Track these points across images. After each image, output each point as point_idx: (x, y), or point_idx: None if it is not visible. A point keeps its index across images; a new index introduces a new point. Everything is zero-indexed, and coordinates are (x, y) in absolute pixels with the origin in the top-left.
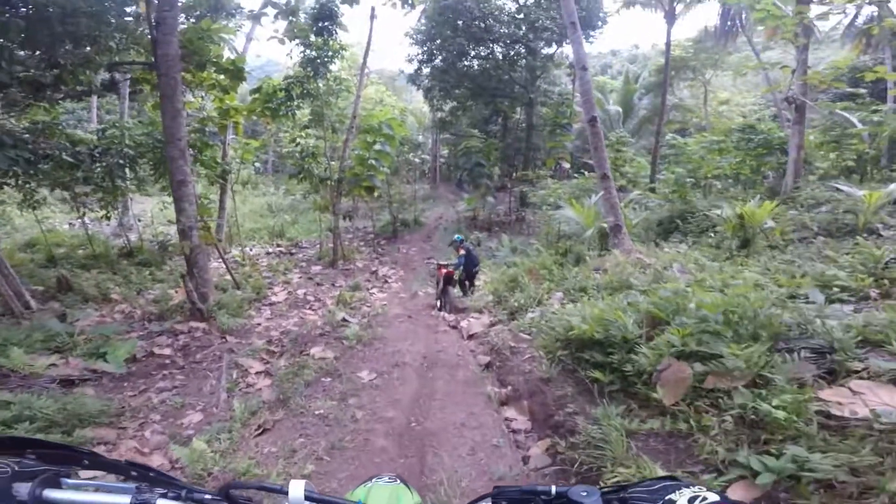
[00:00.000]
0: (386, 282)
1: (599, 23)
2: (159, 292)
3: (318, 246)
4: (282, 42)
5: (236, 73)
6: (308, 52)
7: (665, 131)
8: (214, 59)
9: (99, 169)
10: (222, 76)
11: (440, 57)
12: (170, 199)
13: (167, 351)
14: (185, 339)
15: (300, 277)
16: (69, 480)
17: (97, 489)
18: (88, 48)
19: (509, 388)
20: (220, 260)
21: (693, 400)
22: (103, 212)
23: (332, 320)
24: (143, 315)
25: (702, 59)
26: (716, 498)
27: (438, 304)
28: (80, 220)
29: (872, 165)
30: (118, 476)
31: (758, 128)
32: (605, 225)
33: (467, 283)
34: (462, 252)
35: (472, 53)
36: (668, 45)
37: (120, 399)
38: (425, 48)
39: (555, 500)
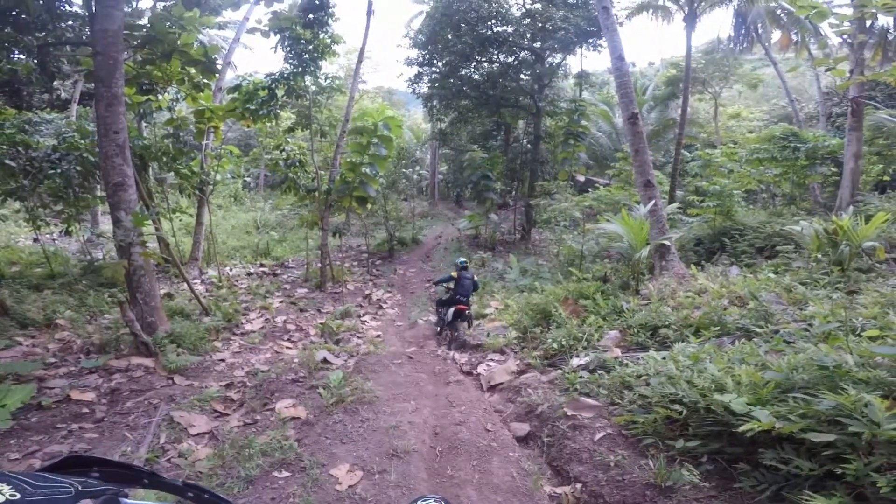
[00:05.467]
0: (381, 307)
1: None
2: (115, 317)
3: (305, 266)
4: (265, 35)
5: (208, 64)
6: (295, 46)
7: (669, 148)
8: (182, 49)
9: (57, 178)
10: (193, 69)
11: (442, 62)
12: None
13: (89, 395)
14: (119, 380)
15: (282, 302)
16: (127, 500)
17: None
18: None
19: (578, 485)
20: (185, 282)
21: None
22: (64, 226)
23: (309, 361)
24: (82, 346)
25: (711, 72)
26: None
27: (440, 333)
28: (47, 236)
29: None
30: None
31: (802, 136)
32: (665, 242)
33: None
34: (454, 274)
35: (477, 59)
36: (688, 49)
37: None
38: (426, 51)
39: None
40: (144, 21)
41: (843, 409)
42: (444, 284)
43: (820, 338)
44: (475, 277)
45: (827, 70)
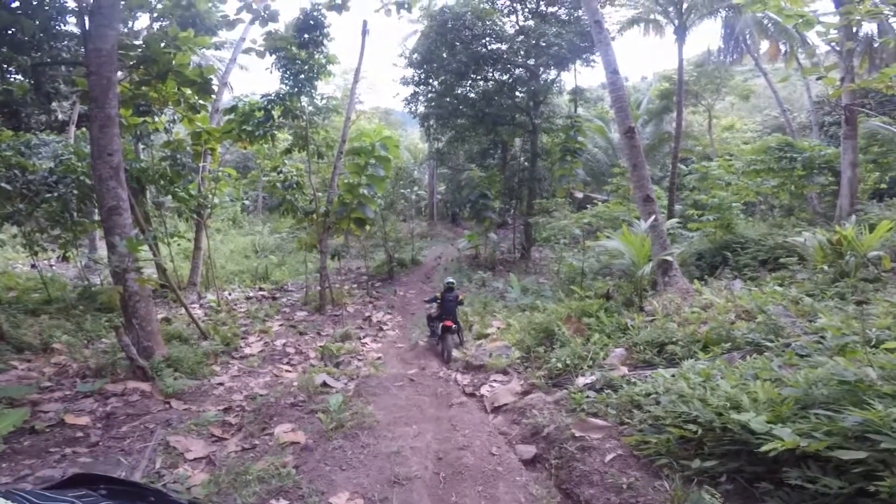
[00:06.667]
0: (381, 329)
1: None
2: (113, 342)
3: (304, 289)
4: (261, 56)
5: (204, 85)
6: (290, 67)
7: (665, 162)
8: (177, 69)
9: (54, 202)
10: (188, 90)
11: (437, 81)
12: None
13: (84, 420)
14: (115, 405)
15: (281, 325)
16: None
17: None
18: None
19: None
20: (183, 307)
21: None
22: (61, 251)
23: (309, 385)
24: (78, 370)
25: (703, 84)
26: None
27: (438, 345)
28: (45, 261)
29: None
30: None
31: (798, 146)
32: (667, 258)
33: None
34: (438, 295)
35: (472, 77)
36: (680, 61)
37: None
38: (421, 70)
39: None
40: (140, 41)
41: (870, 424)
42: (433, 304)
43: (834, 350)
44: (460, 297)
45: (817, 79)
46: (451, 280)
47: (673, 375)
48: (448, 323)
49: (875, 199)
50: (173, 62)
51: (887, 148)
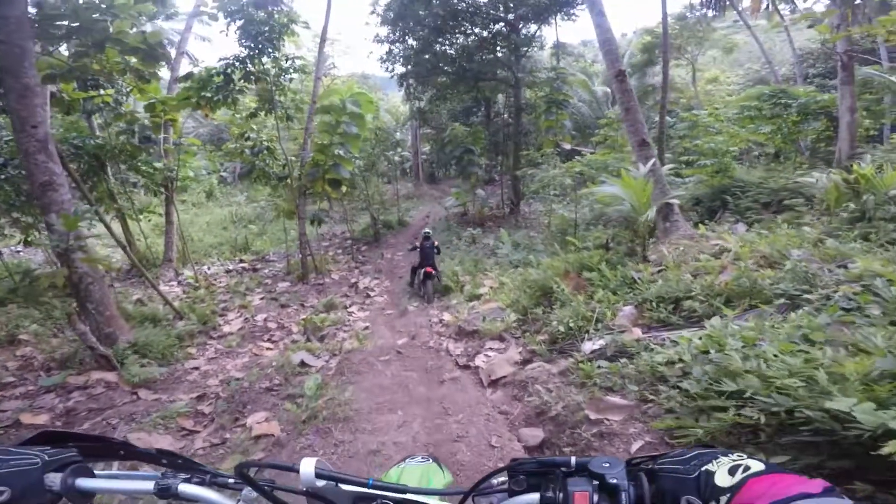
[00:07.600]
0: (368, 296)
1: None
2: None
3: (286, 258)
4: (213, 18)
5: (150, 51)
6: (248, 28)
7: (649, 114)
8: (116, 37)
9: (5, 185)
10: (133, 59)
11: (414, 38)
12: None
13: (42, 418)
14: (77, 399)
15: (262, 299)
16: (99, 470)
17: (125, 477)
18: None
19: None
20: (152, 286)
21: None
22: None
23: (286, 365)
24: (44, 362)
25: (686, 37)
26: (760, 466)
27: (412, 286)
28: (10, 248)
29: None
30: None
31: (793, 92)
32: (671, 201)
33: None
34: (417, 244)
35: (451, 33)
36: (664, 11)
37: None
38: (397, 27)
39: (575, 472)
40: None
41: None
42: (416, 249)
43: (893, 303)
44: (436, 243)
45: (809, 26)
46: (427, 230)
47: (700, 339)
48: (429, 269)
49: (867, 145)
50: (111, 30)
51: (881, 95)
